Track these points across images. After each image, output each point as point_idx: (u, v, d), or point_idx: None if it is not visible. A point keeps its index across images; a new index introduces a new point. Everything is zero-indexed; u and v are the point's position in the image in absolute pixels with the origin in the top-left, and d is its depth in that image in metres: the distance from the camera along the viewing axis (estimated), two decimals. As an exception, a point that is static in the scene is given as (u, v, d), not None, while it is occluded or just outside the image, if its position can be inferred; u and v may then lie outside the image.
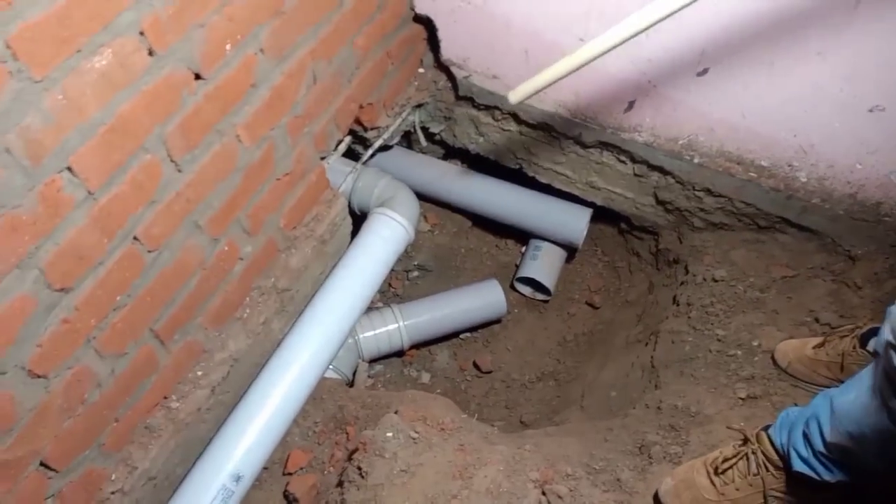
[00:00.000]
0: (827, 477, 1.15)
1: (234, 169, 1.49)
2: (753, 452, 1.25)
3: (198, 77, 1.31)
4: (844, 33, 1.43)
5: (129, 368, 1.39)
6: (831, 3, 1.40)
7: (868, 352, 1.40)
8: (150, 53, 1.19)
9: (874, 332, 1.40)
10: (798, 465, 1.18)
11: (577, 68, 1.48)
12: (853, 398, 1.08)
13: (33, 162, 1.05)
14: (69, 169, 1.12)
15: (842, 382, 1.43)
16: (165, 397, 1.53)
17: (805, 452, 1.17)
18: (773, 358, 1.59)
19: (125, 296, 1.31)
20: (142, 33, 1.17)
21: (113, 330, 1.31)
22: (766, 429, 1.28)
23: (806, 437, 1.17)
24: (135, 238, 1.29)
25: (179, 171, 1.34)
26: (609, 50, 1.43)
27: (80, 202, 1.16)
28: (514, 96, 1.61)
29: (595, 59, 1.45)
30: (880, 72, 1.46)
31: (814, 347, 1.50)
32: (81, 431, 1.32)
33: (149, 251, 1.33)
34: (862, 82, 1.50)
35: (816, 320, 1.65)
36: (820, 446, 1.14)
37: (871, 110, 1.53)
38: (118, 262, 1.27)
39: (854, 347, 1.43)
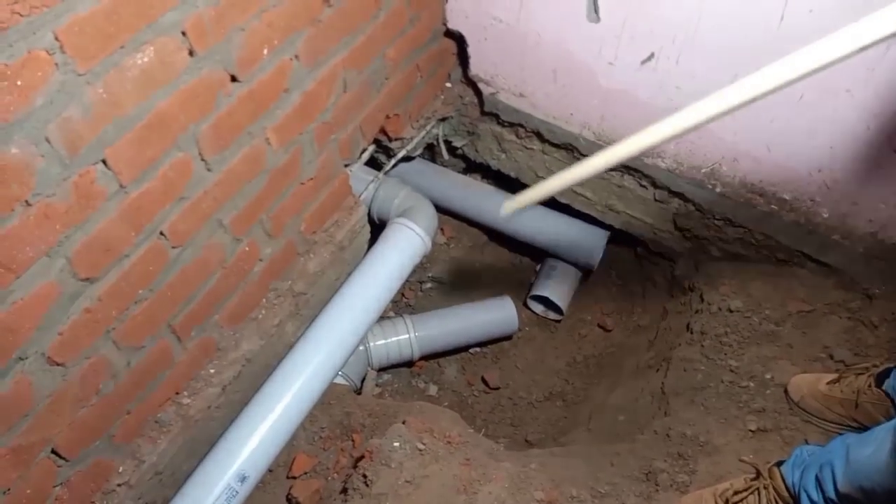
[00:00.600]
0: None
1: (262, 171, 1.51)
2: (765, 488, 1.25)
3: (234, 79, 1.33)
4: (875, 72, 1.44)
5: (144, 362, 1.40)
6: (863, 42, 1.41)
7: (884, 391, 1.39)
8: (191, 53, 1.22)
9: (889, 371, 1.41)
10: None
11: (577, 180, 1.29)
12: (870, 453, 1.07)
13: (70, 152, 1.07)
14: (104, 161, 1.14)
15: (854, 421, 1.43)
16: (177, 393, 1.54)
17: (815, 496, 1.17)
18: (785, 391, 1.58)
19: (147, 290, 1.33)
20: (184, 33, 1.19)
21: (132, 322, 1.33)
22: (779, 464, 1.27)
23: (819, 481, 1.16)
24: (161, 233, 1.31)
25: (209, 169, 1.36)
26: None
27: (111, 194, 1.18)
28: (508, 208, 1.38)
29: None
30: (909, 113, 1.46)
31: (828, 383, 1.49)
32: (94, 421, 1.34)
33: (173, 247, 1.34)
34: (889, 121, 1.50)
35: (831, 357, 1.64)
36: (831, 493, 1.13)
37: (896, 150, 1.53)
38: (143, 255, 1.28)
39: (869, 386, 1.42)
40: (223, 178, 1.40)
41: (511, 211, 1.37)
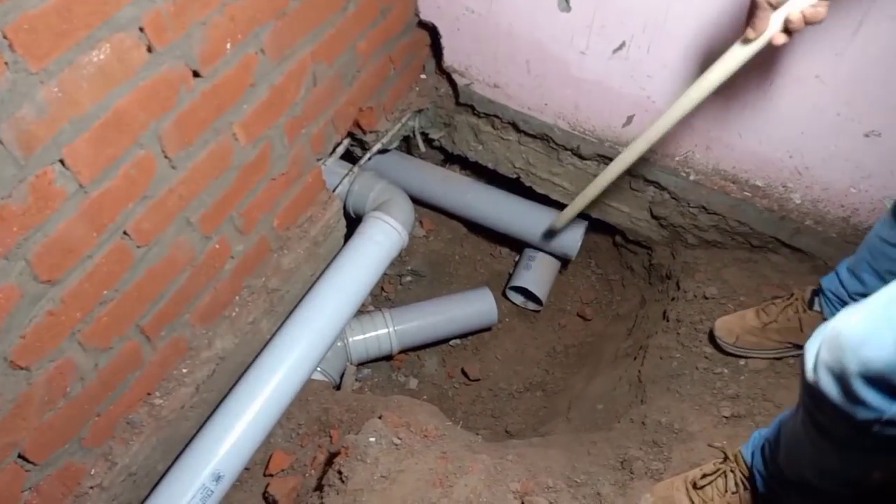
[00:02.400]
0: (785, 500, 1.16)
1: (229, 167, 1.49)
2: (732, 471, 1.26)
3: (196, 74, 1.31)
4: (844, 57, 1.44)
5: (112, 363, 1.38)
6: (831, 26, 1.41)
7: (819, 312, 1.51)
8: (149, 50, 1.19)
9: (816, 292, 1.53)
10: (762, 486, 1.20)
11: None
12: (790, 415, 1.08)
13: (25, 153, 1.05)
14: (61, 161, 1.11)
15: (792, 345, 1.56)
16: (149, 393, 1.52)
17: (766, 473, 1.19)
18: (714, 342, 1.65)
19: (112, 290, 1.31)
20: (142, 29, 1.16)
21: (98, 324, 1.31)
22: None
23: (763, 458, 1.19)
24: (125, 233, 1.29)
25: (173, 167, 1.34)
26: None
27: (71, 195, 1.16)
28: (560, 222, 1.93)
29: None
30: (878, 97, 1.46)
31: (757, 317, 1.59)
32: (62, 425, 1.32)
33: (138, 246, 1.32)
34: (859, 107, 1.50)
35: (804, 342, 1.66)
36: (772, 468, 1.15)
37: (867, 135, 1.54)
38: (107, 256, 1.26)
39: (804, 310, 1.54)
40: (189, 176, 1.38)
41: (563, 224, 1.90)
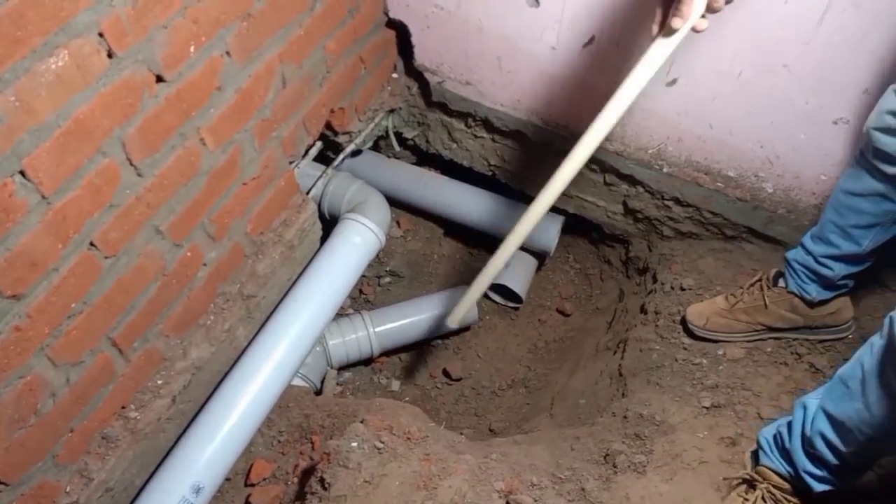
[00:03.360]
0: (849, 484, 1.16)
1: (198, 173, 1.46)
2: (768, 491, 1.25)
3: (160, 79, 1.28)
4: (810, 46, 1.45)
5: (84, 377, 1.35)
6: (797, 15, 1.42)
7: (784, 288, 1.56)
8: (110, 55, 1.16)
9: (780, 274, 1.57)
10: (819, 486, 1.18)
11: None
12: (859, 408, 1.05)
13: (-18, 165, 1.02)
14: (21, 173, 1.08)
15: (761, 325, 1.60)
16: (123, 407, 1.49)
17: (821, 472, 1.17)
18: (686, 327, 1.69)
19: (80, 303, 1.28)
20: (101, 34, 1.14)
21: (68, 338, 1.27)
22: (756, 460, 1.28)
23: (814, 456, 1.16)
24: (91, 244, 1.26)
25: (140, 175, 1.31)
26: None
27: (33, 206, 1.12)
28: (452, 321, 1.69)
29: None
30: (844, 84, 1.48)
31: (726, 300, 1.65)
32: (34, 443, 1.28)
33: (106, 257, 1.29)
34: (827, 95, 1.52)
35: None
36: (835, 459, 1.13)
37: (835, 122, 1.55)
38: (73, 268, 1.23)
39: (769, 288, 1.58)
40: (156, 183, 1.35)
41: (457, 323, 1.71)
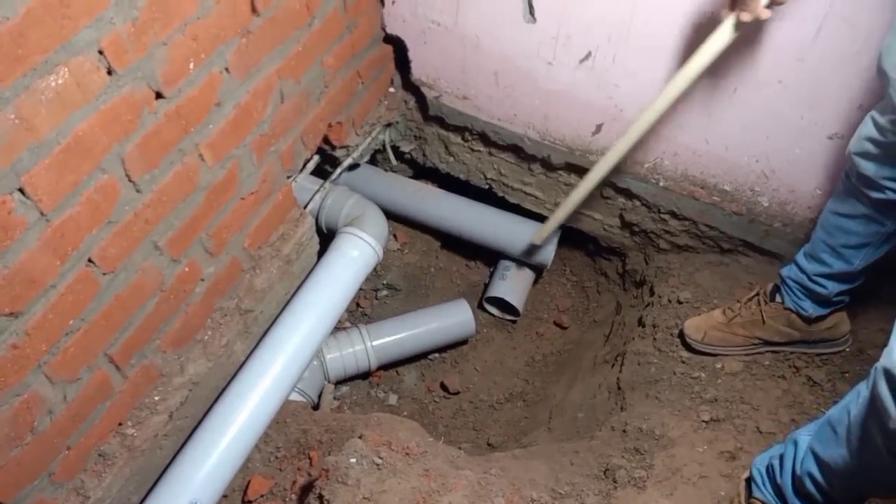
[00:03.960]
0: None
1: (196, 189, 1.46)
2: None
3: (159, 96, 1.28)
4: (805, 62, 1.47)
5: (82, 394, 1.34)
6: (791, 33, 1.44)
7: (780, 303, 1.57)
8: (109, 72, 1.17)
9: (777, 288, 1.58)
10: None
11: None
12: (844, 455, 1.05)
13: (-19, 183, 1.02)
14: (21, 190, 1.08)
15: (758, 339, 1.61)
16: (120, 423, 1.48)
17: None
18: (683, 341, 1.70)
19: (79, 319, 1.27)
20: (101, 52, 1.14)
21: (65, 355, 1.27)
22: (750, 489, 1.28)
23: (804, 495, 1.16)
24: (90, 260, 1.25)
25: (138, 191, 1.31)
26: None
27: (32, 223, 1.12)
28: (539, 237, 2.01)
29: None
30: (839, 100, 1.49)
31: (724, 314, 1.66)
32: (30, 461, 1.27)
33: (104, 273, 1.29)
34: (822, 110, 1.53)
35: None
36: (823, 500, 1.14)
37: (830, 138, 1.57)
38: (71, 285, 1.23)
39: (766, 303, 1.60)
40: (154, 199, 1.35)
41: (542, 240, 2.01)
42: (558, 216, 1.91)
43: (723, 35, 1.34)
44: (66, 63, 1.08)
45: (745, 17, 1.25)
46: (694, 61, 1.41)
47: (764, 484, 1.26)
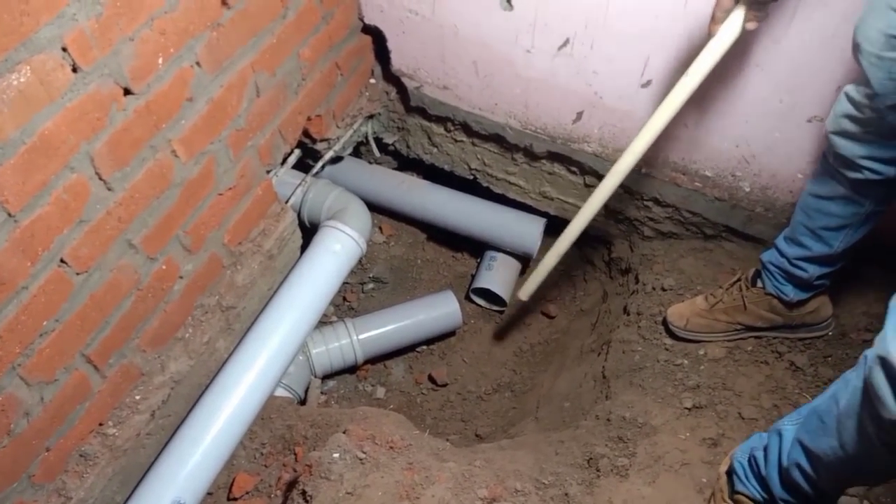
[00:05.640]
0: None
1: (171, 185, 1.44)
2: None
3: (128, 92, 1.27)
4: (782, 45, 1.46)
5: (59, 395, 1.33)
6: (769, 16, 1.42)
7: (762, 288, 1.56)
8: (74, 69, 1.15)
9: (759, 273, 1.58)
10: None
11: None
12: (834, 446, 1.03)
13: (-56, 185, 1.00)
14: (-15, 191, 1.07)
15: (740, 325, 1.61)
16: (101, 423, 1.47)
17: (796, 501, 1.16)
18: (666, 328, 1.70)
19: (53, 320, 1.26)
20: (64, 49, 1.12)
21: (40, 356, 1.25)
22: (732, 483, 1.27)
23: (791, 486, 1.15)
24: (62, 260, 1.24)
25: (110, 189, 1.29)
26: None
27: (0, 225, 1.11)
28: (524, 294, 1.90)
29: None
30: (817, 83, 1.48)
31: (706, 300, 1.65)
32: (8, 464, 1.26)
33: (77, 273, 1.28)
34: (800, 93, 1.52)
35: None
36: (811, 490, 1.12)
37: (809, 121, 1.56)
38: (44, 285, 1.21)
39: (747, 288, 1.59)
40: (127, 197, 1.33)
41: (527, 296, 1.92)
42: (547, 263, 1.83)
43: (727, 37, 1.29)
44: (28, 61, 1.07)
45: (752, 26, 1.25)
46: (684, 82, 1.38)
47: (747, 477, 1.25)
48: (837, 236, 1.37)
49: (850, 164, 1.24)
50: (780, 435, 1.18)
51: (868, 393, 0.91)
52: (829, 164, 1.29)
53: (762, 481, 1.21)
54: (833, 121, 1.23)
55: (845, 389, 1.01)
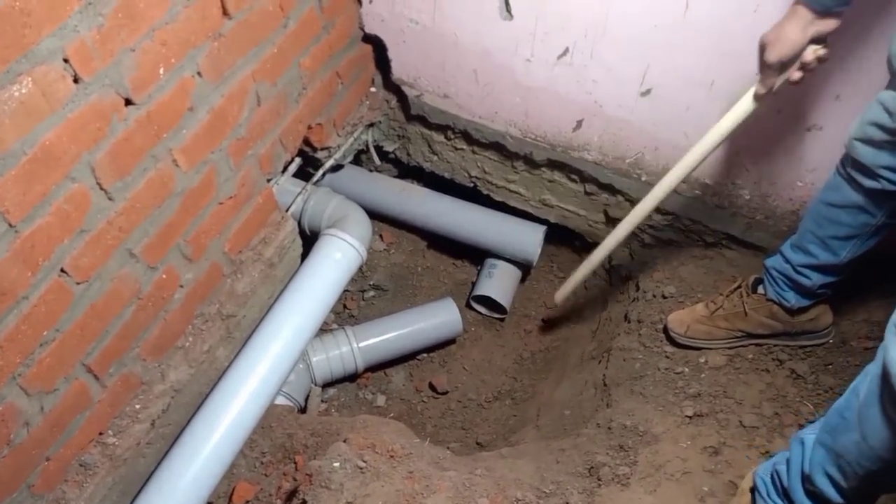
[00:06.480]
0: None
1: (171, 194, 1.45)
2: None
3: (129, 102, 1.27)
4: (780, 55, 1.46)
5: (59, 405, 1.33)
6: (766, 25, 1.42)
7: (763, 295, 1.57)
8: (76, 80, 1.15)
9: (759, 280, 1.58)
10: None
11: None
12: (857, 440, 1.01)
13: (-55, 196, 1.01)
14: (-14, 201, 1.07)
15: (741, 332, 1.62)
16: (101, 433, 1.47)
17: None
18: (667, 335, 1.71)
19: (53, 330, 1.26)
20: (66, 60, 1.12)
21: (40, 366, 1.26)
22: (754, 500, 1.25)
23: (814, 495, 1.13)
24: (62, 270, 1.24)
25: (110, 199, 1.30)
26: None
27: (0, 235, 1.11)
28: (559, 297, 1.96)
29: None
30: (816, 92, 1.48)
31: (706, 307, 1.66)
32: (8, 474, 1.26)
33: (77, 283, 1.28)
34: (800, 103, 1.53)
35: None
36: (837, 496, 1.10)
37: (808, 129, 1.56)
38: (44, 295, 1.21)
39: (748, 295, 1.60)
40: (128, 206, 1.34)
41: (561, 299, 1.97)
42: (583, 271, 1.83)
43: (740, 110, 1.34)
44: (30, 73, 1.07)
45: (761, 89, 1.27)
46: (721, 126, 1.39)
47: (769, 493, 1.22)
48: (845, 246, 1.37)
49: (868, 172, 1.24)
50: (801, 443, 1.16)
51: (886, 377, 0.91)
52: (845, 171, 1.29)
53: (785, 494, 1.19)
54: (859, 127, 1.23)
55: (864, 380, 1.00)
